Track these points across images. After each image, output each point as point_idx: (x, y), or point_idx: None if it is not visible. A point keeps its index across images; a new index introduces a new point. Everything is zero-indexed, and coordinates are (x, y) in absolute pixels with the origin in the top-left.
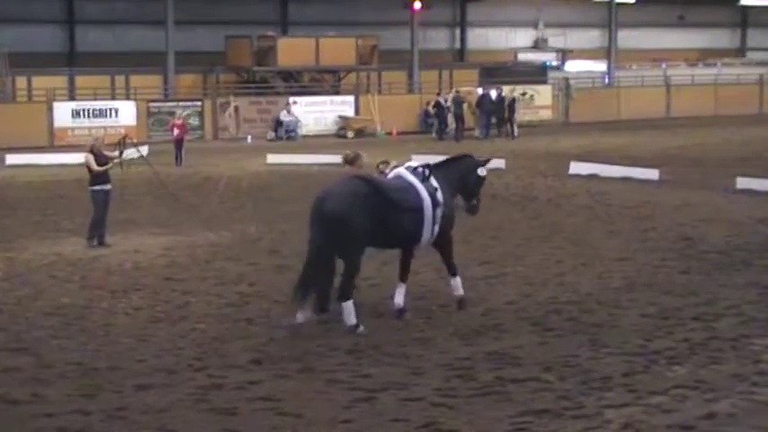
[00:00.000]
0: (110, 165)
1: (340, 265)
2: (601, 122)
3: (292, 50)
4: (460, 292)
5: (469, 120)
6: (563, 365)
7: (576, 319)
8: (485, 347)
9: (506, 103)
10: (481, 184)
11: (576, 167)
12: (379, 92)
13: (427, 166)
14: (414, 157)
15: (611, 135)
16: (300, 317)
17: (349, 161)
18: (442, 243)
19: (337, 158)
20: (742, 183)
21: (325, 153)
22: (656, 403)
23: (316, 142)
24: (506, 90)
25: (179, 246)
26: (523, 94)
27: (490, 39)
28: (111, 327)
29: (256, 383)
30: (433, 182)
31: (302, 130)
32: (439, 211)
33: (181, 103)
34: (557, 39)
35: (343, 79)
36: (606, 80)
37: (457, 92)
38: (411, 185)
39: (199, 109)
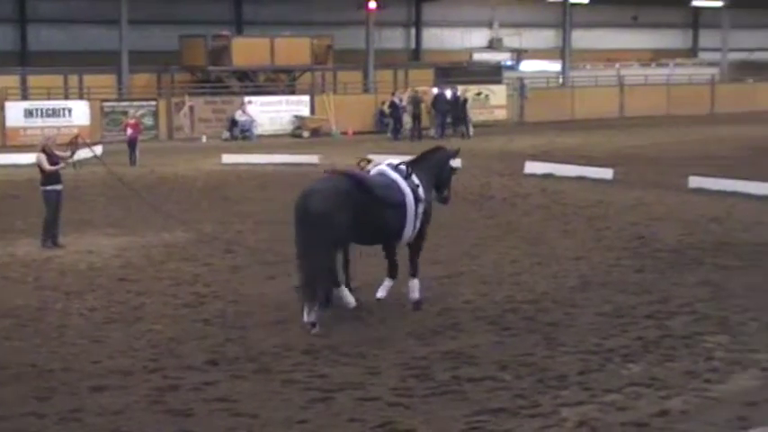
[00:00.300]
0: (62, 165)
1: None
2: (555, 122)
3: (247, 50)
4: (416, 295)
5: (425, 119)
6: (519, 364)
7: (532, 318)
8: (441, 347)
9: (459, 102)
10: (452, 175)
11: (532, 167)
12: (335, 91)
13: (409, 163)
14: (370, 156)
15: (565, 135)
16: (313, 316)
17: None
18: (417, 239)
19: (293, 158)
20: (695, 182)
21: (281, 153)
22: (611, 401)
23: (271, 142)
24: (461, 90)
25: (134, 246)
26: (478, 94)
27: (445, 39)
28: (66, 328)
29: (212, 384)
30: (415, 179)
31: (257, 130)
32: (420, 207)
33: (135, 103)
34: (511, 39)
35: (299, 79)
36: (561, 80)
37: (415, 91)
38: (393, 182)
39: (153, 109)
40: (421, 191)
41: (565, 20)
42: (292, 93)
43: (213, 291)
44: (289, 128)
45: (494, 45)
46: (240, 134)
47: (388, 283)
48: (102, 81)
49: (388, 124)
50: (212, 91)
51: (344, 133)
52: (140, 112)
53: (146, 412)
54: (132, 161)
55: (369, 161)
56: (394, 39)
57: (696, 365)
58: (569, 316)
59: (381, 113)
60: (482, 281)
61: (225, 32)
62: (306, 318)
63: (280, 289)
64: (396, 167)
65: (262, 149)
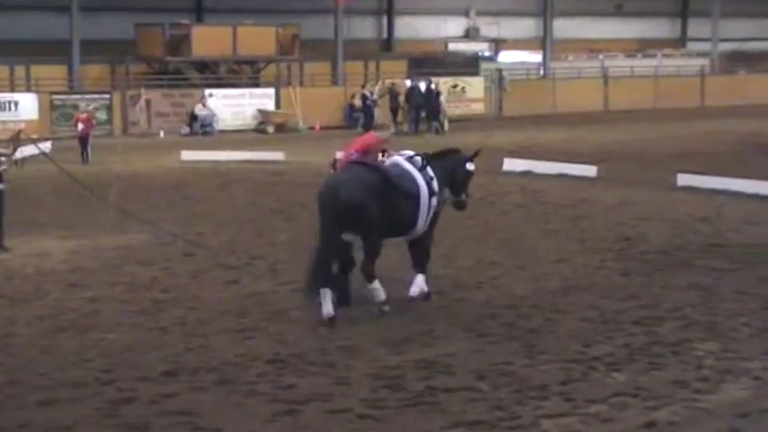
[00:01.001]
0: (2, 163)
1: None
2: (535, 116)
3: (208, 40)
4: (416, 292)
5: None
6: (497, 373)
7: (510, 325)
8: (415, 355)
9: (433, 95)
10: (469, 179)
11: (510, 164)
12: (301, 84)
13: (425, 155)
14: (338, 154)
15: (546, 130)
16: (328, 309)
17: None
18: (427, 234)
19: (257, 155)
20: (683, 179)
21: (244, 149)
22: (595, 412)
23: (233, 138)
24: (435, 82)
25: (85, 249)
26: (454, 86)
27: (419, 28)
28: (12, 337)
29: (171, 396)
30: (429, 171)
31: (219, 125)
32: (434, 200)
33: (87, 96)
34: (489, 28)
35: (263, 70)
36: (541, 72)
37: (392, 84)
38: (408, 173)
39: (107, 102)
40: (435, 184)
41: (546, 8)
42: (256, 85)
43: (171, 296)
44: (252, 123)
45: (470, 34)
46: (200, 129)
47: (419, 278)
48: (51, 72)
49: (358, 119)
50: (170, 83)
51: (312, 128)
52: (93, 105)
53: (98, 427)
54: (84, 159)
55: (383, 152)
56: (364, 28)
57: (685, 374)
58: (551, 322)
59: (351, 107)
60: (459, 285)
61: (184, 21)
62: (324, 312)
63: (243, 294)
64: (410, 159)
65: (223, 146)
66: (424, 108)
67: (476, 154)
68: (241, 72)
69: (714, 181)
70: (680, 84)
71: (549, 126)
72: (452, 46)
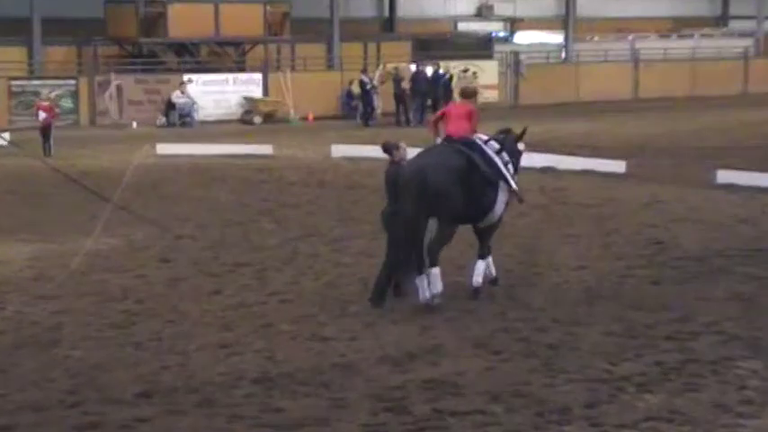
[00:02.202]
0: None
1: None
2: (556, 105)
3: (186, 18)
4: (479, 282)
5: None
6: (513, 395)
7: (527, 340)
8: (420, 374)
9: (441, 81)
10: (519, 160)
11: (528, 159)
12: (293, 69)
13: (500, 138)
14: (334, 148)
15: (568, 120)
16: (425, 294)
17: (387, 150)
18: (499, 220)
19: (242, 149)
20: (723, 176)
21: (228, 142)
22: None
23: (216, 129)
24: (443, 67)
25: (50, 255)
26: (465, 71)
27: (425, 5)
28: None
29: (145, 421)
30: (505, 155)
31: (199, 115)
32: (511, 185)
33: (49, 82)
34: (504, 5)
35: (249, 53)
36: (563, 55)
37: (396, 68)
38: (489, 158)
39: (72, 88)
40: (510, 168)
41: None
42: (241, 70)
43: (146, 308)
44: (237, 112)
45: (483, 13)
46: (178, 120)
47: (480, 265)
48: (9, 54)
49: (356, 108)
50: (144, 68)
51: (304, 119)
52: (56, 92)
53: None
54: (46, 151)
55: (398, 148)
56: (363, 5)
57: (726, 396)
58: (572, 336)
59: (349, 95)
60: (469, 295)
61: None
62: (427, 294)
63: (226, 305)
64: (486, 142)
65: (205, 138)
66: (431, 96)
67: (523, 132)
68: (224, 55)
69: (758, 178)
70: (720, 68)
71: (572, 116)
72: (462, 26)
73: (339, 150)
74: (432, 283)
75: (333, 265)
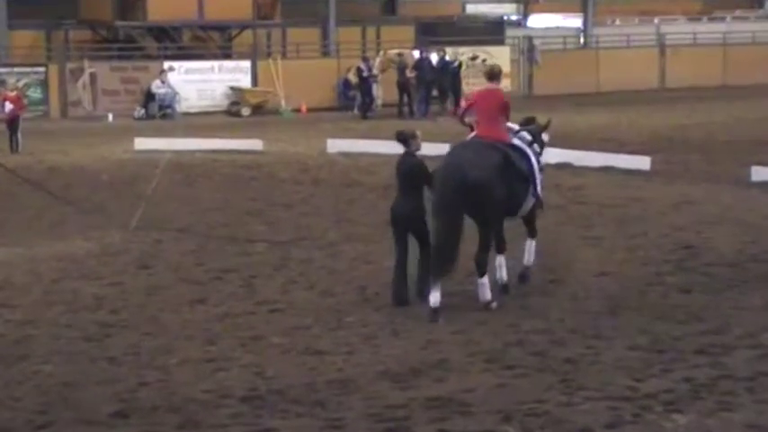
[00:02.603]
0: None
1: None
2: (575, 95)
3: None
4: (531, 261)
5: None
6: (527, 414)
7: (543, 354)
8: (424, 391)
9: (450, 69)
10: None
11: (544, 154)
12: (284, 56)
13: (531, 129)
14: (329, 142)
15: (587, 112)
16: (434, 298)
17: (403, 139)
18: (534, 207)
19: (229, 143)
20: (758, 173)
21: (213, 136)
22: None
23: (200, 122)
24: (450, 53)
25: (16, 260)
26: (473, 58)
27: None
28: None
29: None
30: (536, 146)
31: (181, 106)
32: (541, 176)
33: (16, 69)
34: None
35: (236, 38)
36: (581, 40)
37: (400, 54)
38: (522, 150)
39: (41, 77)
40: (541, 159)
41: None
42: (227, 57)
43: (122, 319)
44: (223, 103)
45: None
46: (158, 111)
47: (502, 260)
48: None
49: (354, 98)
50: (121, 54)
51: (297, 110)
52: (23, 81)
53: None
54: (13, 147)
55: (415, 137)
56: None
57: (762, 417)
58: (593, 350)
59: (346, 84)
60: (479, 304)
61: None
62: (432, 300)
63: (211, 315)
64: (517, 134)
65: (187, 132)
66: (436, 85)
67: (548, 124)
68: (209, 41)
69: None
70: (755, 54)
71: (591, 107)
72: (471, 8)
73: (335, 145)
74: (481, 293)
75: (328, 272)
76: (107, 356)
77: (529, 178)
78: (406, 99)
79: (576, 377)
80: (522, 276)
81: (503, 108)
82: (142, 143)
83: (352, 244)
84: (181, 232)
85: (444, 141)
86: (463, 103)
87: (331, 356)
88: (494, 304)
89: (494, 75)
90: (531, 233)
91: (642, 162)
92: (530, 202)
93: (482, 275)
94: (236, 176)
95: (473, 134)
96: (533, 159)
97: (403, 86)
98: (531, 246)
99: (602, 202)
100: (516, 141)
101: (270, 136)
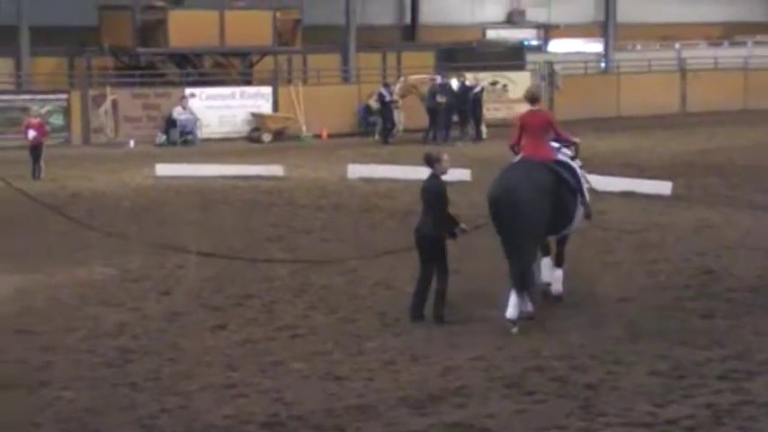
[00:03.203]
0: None
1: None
2: (595, 119)
3: (189, 26)
4: (559, 290)
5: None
6: None
7: (563, 380)
8: (444, 417)
9: (471, 95)
10: None
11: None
12: (304, 81)
13: (573, 144)
14: (350, 167)
15: (608, 136)
16: (530, 307)
17: (429, 161)
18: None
19: (249, 169)
20: None
21: (234, 162)
22: None
23: (221, 148)
24: (470, 78)
25: (37, 286)
26: (494, 83)
27: (450, 11)
28: None
29: None
30: (578, 161)
31: (202, 132)
32: (587, 185)
33: (39, 97)
34: (537, 11)
35: (257, 65)
36: (602, 65)
37: (433, 78)
38: (570, 167)
39: (63, 104)
40: (586, 176)
41: None
42: (248, 83)
43: (143, 345)
44: (244, 129)
45: (514, 19)
46: (179, 138)
47: (559, 273)
48: None
49: (374, 124)
50: (142, 81)
51: (317, 136)
52: (46, 108)
53: None
54: (35, 173)
55: (440, 160)
56: (382, 12)
57: None
58: (613, 376)
59: (366, 110)
60: (498, 329)
61: (159, 2)
62: (512, 312)
63: (231, 341)
64: (559, 149)
65: (208, 158)
66: (457, 110)
67: (576, 147)
68: (230, 67)
69: None
70: None
71: (612, 132)
72: (491, 33)
73: (355, 170)
74: (522, 305)
75: (348, 298)
76: (128, 382)
77: (576, 190)
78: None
79: (597, 403)
80: (558, 299)
81: (548, 127)
82: (163, 169)
83: (373, 269)
84: (202, 257)
85: (464, 166)
86: (513, 133)
87: (351, 382)
88: (531, 312)
89: (535, 98)
90: (562, 260)
91: (663, 187)
92: (579, 213)
93: (522, 291)
94: (256, 202)
95: (520, 155)
96: (579, 172)
97: (434, 111)
98: (560, 274)
99: (623, 227)
100: (561, 157)
101: (290, 162)
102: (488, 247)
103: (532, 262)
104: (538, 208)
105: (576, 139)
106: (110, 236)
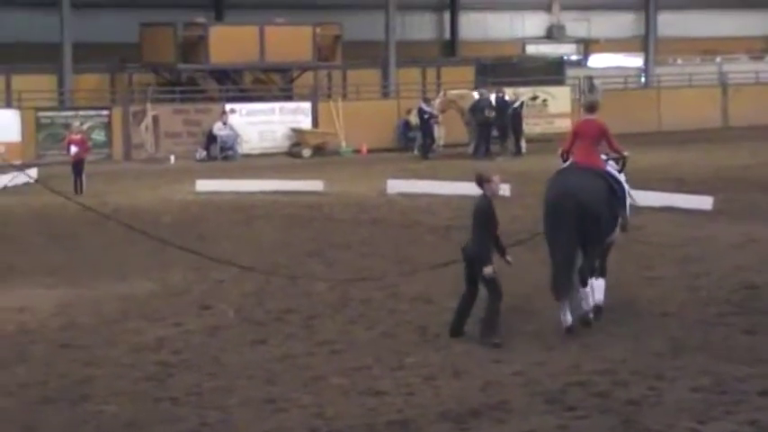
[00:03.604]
0: None
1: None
2: (636, 134)
3: (229, 42)
4: (601, 300)
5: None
6: None
7: (605, 395)
8: None
9: (510, 109)
10: None
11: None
12: (344, 97)
13: (621, 158)
14: (389, 183)
15: (649, 150)
16: (569, 318)
17: (479, 182)
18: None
19: (290, 185)
20: None
21: (274, 178)
22: None
23: (261, 163)
24: (509, 93)
25: (80, 301)
26: (534, 98)
27: (490, 27)
28: None
29: None
30: (623, 175)
31: (243, 148)
32: (630, 201)
33: (81, 113)
34: (577, 26)
35: (297, 80)
36: (642, 79)
37: (481, 93)
38: (616, 178)
39: (105, 119)
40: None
41: None
42: (288, 98)
43: (184, 359)
44: (285, 144)
45: (554, 34)
46: (220, 153)
47: (601, 282)
48: (37, 83)
49: (414, 139)
50: (183, 96)
51: (357, 151)
52: (88, 124)
53: None
54: (77, 188)
55: (490, 181)
56: (422, 27)
57: None
58: (655, 392)
59: (406, 125)
60: (538, 344)
61: (200, 19)
62: (565, 321)
63: (272, 356)
64: (606, 161)
65: (248, 173)
66: (496, 124)
67: (624, 160)
68: (270, 83)
69: None
70: None
71: (653, 146)
72: (531, 48)
73: (395, 185)
74: (586, 299)
75: (388, 313)
76: (169, 397)
77: (621, 201)
78: (485, 138)
79: (639, 419)
80: (598, 309)
81: (601, 136)
82: (204, 185)
83: (412, 284)
84: (242, 272)
85: (503, 181)
86: (566, 140)
87: (391, 397)
88: (591, 315)
89: (592, 107)
90: (602, 270)
91: (704, 201)
92: (616, 233)
93: (585, 286)
94: (296, 217)
95: (569, 161)
96: (625, 185)
97: (485, 125)
98: (602, 283)
99: (664, 241)
100: (609, 168)
101: (330, 177)
102: (528, 262)
103: (595, 264)
104: (600, 210)
105: (626, 153)
106: (151, 251)
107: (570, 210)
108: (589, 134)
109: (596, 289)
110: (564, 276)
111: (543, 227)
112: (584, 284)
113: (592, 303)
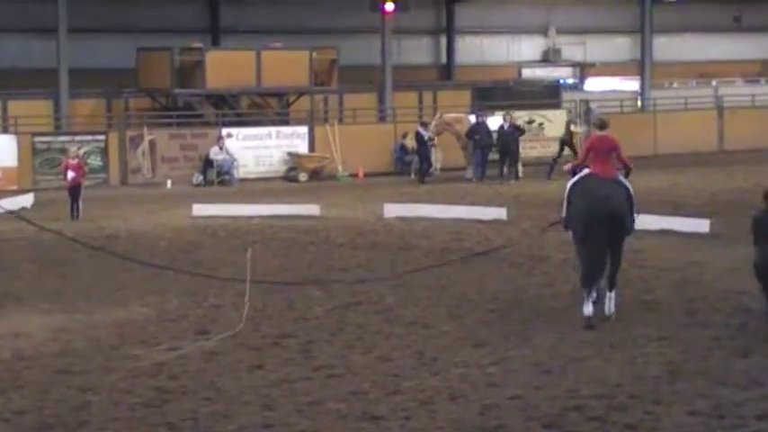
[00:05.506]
0: None
1: None
2: (632, 158)
3: (226, 67)
4: (613, 309)
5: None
6: None
7: (602, 419)
8: None
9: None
10: None
11: None
12: (341, 121)
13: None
14: (386, 207)
15: (644, 174)
16: (589, 309)
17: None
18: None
19: (286, 209)
20: None
21: (271, 202)
22: None
23: (257, 187)
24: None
25: (76, 327)
26: (530, 122)
27: (486, 51)
28: None
29: None
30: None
31: (239, 172)
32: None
33: (77, 138)
34: (573, 49)
35: (293, 105)
36: (639, 103)
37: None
38: (627, 187)
39: (101, 144)
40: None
41: (643, 23)
42: (285, 123)
43: (181, 385)
44: (281, 169)
45: (550, 58)
46: (216, 177)
47: (612, 295)
48: (33, 108)
49: (410, 163)
50: (179, 121)
51: (354, 175)
52: (84, 149)
53: None
54: (74, 214)
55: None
56: (418, 51)
57: None
58: (652, 416)
59: (403, 149)
60: (536, 369)
61: (196, 44)
62: (586, 311)
63: (268, 381)
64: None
65: (245, 197)
66: (497, 148)
67: (630, 170)
68: (266, 107)
69: None
70: None
71: (649, 170)
72: (527, 72)
73: (392, 210)
74: (614, 301)
75: (384, 337)
76: (166, 422)
77: (633, 206)
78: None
79: None
80: (611, 316)
81: (613, 149)
82: (200, 209)
83: (409, 308)
84: (239, 297)
85: (500, 205)
86: (580, 155)
87: (388, 422)
88: (613, 316)
89: (604, 125)
90: (615, 281)
91: (700, 225)
92: (634, 225)
93: (611, 290)
94: (293, 241)
95: (587, 171)
96: (634, 201)
97: (485, 148)
98: (614, 295)
99: (661, 265)
100: (621, 178)
101: (327, 201)
102: (523, 287)
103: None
104: (625, 213)
105: (632, 165)
106: (147, 276)
107: (603, 215)
108: (603, 148)
109: (610, 300)
110: (597, 270)
111: (574, 230)
112: (611, 288)
113: (613, 308)
